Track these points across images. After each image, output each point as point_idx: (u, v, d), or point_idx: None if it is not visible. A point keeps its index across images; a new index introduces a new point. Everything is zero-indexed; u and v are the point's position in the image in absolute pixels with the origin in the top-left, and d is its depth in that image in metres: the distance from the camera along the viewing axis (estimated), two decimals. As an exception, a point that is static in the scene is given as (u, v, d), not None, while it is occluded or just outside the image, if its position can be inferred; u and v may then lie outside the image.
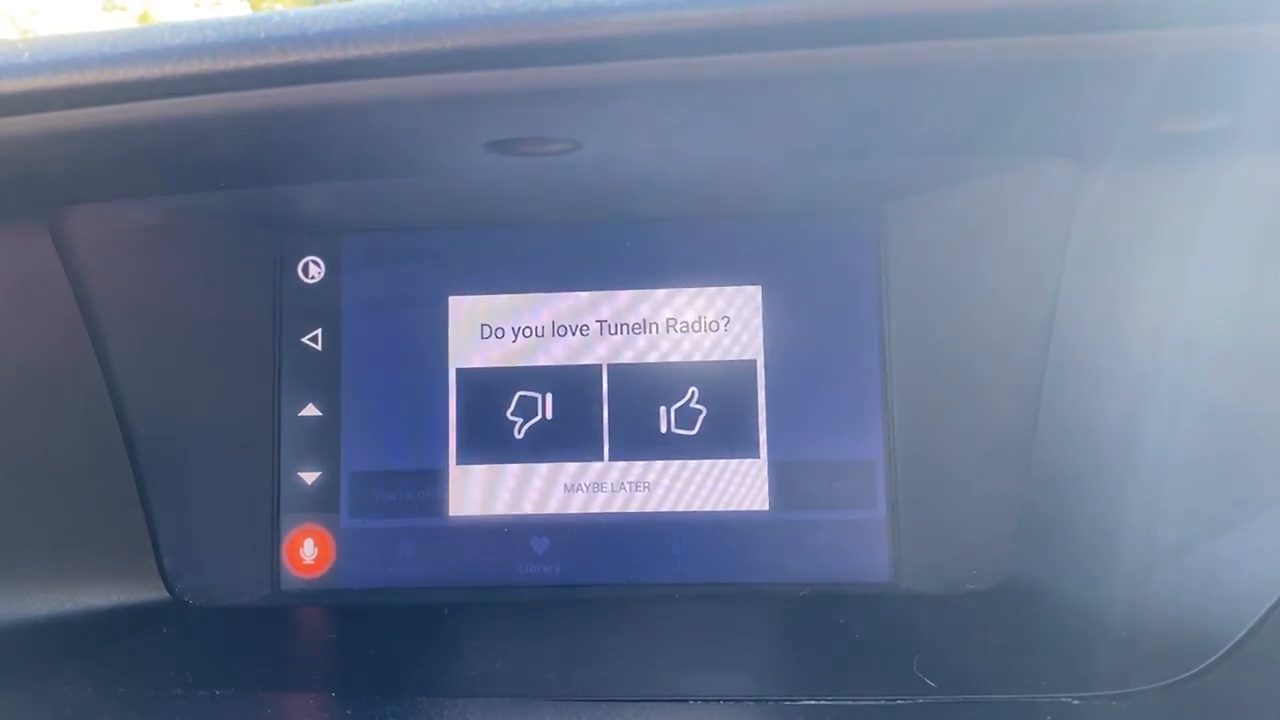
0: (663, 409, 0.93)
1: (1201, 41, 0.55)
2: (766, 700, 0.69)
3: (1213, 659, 0.67)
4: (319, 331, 0.94)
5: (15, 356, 0.83)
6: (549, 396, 0.93)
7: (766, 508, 0.91)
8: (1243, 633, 0.68)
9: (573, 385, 0.93)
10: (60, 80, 0.58)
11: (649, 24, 0.53)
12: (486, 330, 0.94)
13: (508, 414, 0.93)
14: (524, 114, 0.65)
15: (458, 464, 0.93)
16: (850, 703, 0.67)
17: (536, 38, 0.54)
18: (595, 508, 0.92)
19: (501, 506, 0.92)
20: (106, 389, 0.85)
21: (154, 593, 0.87)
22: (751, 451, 0.92)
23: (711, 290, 0.93)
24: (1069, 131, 0.75)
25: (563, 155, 0.75)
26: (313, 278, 0.94)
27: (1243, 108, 0.67)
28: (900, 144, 0.79)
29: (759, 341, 0.92)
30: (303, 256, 0.94)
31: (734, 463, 0.92)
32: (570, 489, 0.92)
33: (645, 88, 0.59)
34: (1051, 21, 0.54)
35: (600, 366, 0.93)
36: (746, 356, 0.92)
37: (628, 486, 0.92)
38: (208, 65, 0.57)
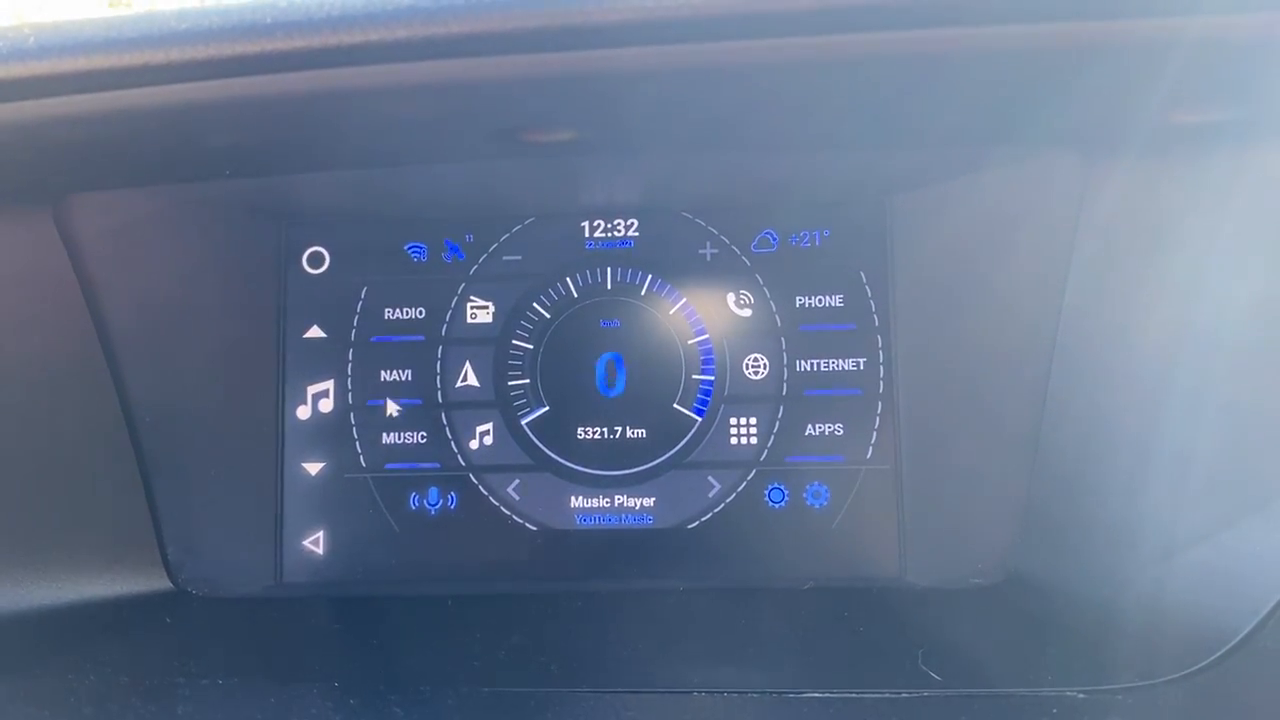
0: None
1: (1217, 30, 0.55)
2: (770, 693, 0.68)
3: (1219, 653, 0.67)
4: (324, 322, 0.94)
5: (19, 345, 0.82)
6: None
7: (770, 503, 0.91)
8: (1250, 627, 0.67)
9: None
10: (65, 65, 0.58)
11: (658, 9, 0.53)
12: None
13: (516, 416, 0.93)
14: (528, 101, 0.64)
15: (464, 461, 0.93)
16: (855, 696, 0.67)
17: (542, 23, 0.54)
18: (604, 507, 0.92)
19: (508, 503, 0.92)
20: (111, 378, 0.85)
21: (157, 583, 0.87)
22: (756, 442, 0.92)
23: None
24: (1078, 123, 0.75)
25: (569, 144, 0.75)
26: (317, 268, 0.94)
27: (1256, 99, 0.66)
28: (909, 134, 0.79)
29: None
30: (307, 246, 0.94)
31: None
32: (579, 490, 0.93)
33: (653, 75, 0.59)
34: (1067, 8, 0.54)
35: (616, 359, 0.93)
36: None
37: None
38: (213, 50, 0.57)
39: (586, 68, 0.57)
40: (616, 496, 0.92)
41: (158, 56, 0.57)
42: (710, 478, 0.92)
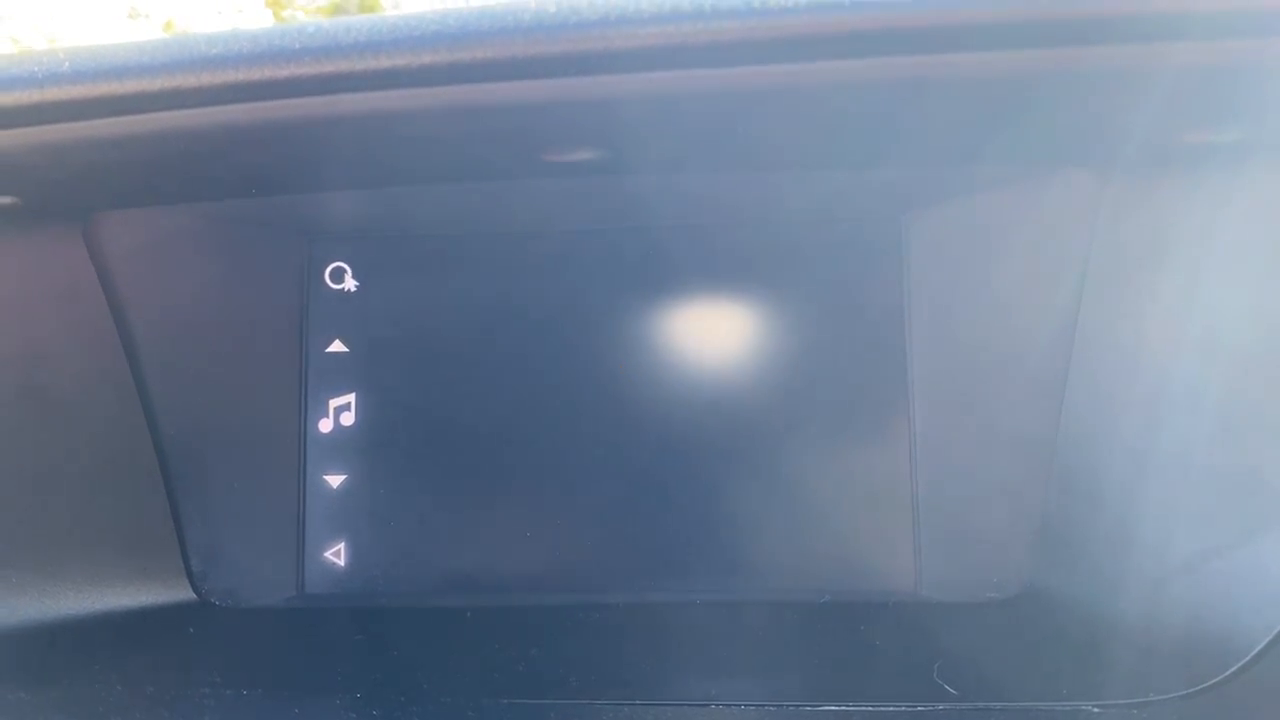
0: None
1: (1215, 54, 0.56)
2: (787, 705, 0.69)
3: (1233, 668, 0.68)
4: (346, 336, 0.95)
5: (48, 359, 0.84)
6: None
7: (789, 516, 0.91)
8: (1264, 642, 0.68)
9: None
10: (100, 89, 0.59)
11: (677, 35, 0.54)
12: (510, 336, 0.95)
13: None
14: (552, 124, 0.65)
15: (484, 469, 0.94)
16: (871, 709, 0.67)
17: (566, 49, 0.55)
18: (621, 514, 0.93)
19: (525, 516, 0.93)
20: (137, 392, 0.87)
21: (181, 594, 0.88)
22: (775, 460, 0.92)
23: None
24: (1089, 142, 0.76)
25: (589, 164, 0.76)
26: (340, 283, 0.95)
27: (1258, 120, 0.67)
28: (922, 153, 0.79)
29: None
30: (330, 262, 0.95)
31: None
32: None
33: (674, 99, 0.60)
34: (1070, 34, 0.55)
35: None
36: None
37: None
38: (243, 75, 0.58)
39: (608, 92, 0.58)
40: (634, 509, 0.93)
41: (189, 80, 0.59)
42: (726, 491, 0.93)
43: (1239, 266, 0.76)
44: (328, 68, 0.57)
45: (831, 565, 0.90)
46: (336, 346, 0.95)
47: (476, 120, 0.63)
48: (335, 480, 0.94)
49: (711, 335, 0.93)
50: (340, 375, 0.95)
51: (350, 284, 0.95)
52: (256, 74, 0.58)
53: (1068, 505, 0.83)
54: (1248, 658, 0.68)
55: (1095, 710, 0.66)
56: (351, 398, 0.94)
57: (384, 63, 0.56)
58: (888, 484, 0.90)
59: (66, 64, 0.60)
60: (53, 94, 0.60)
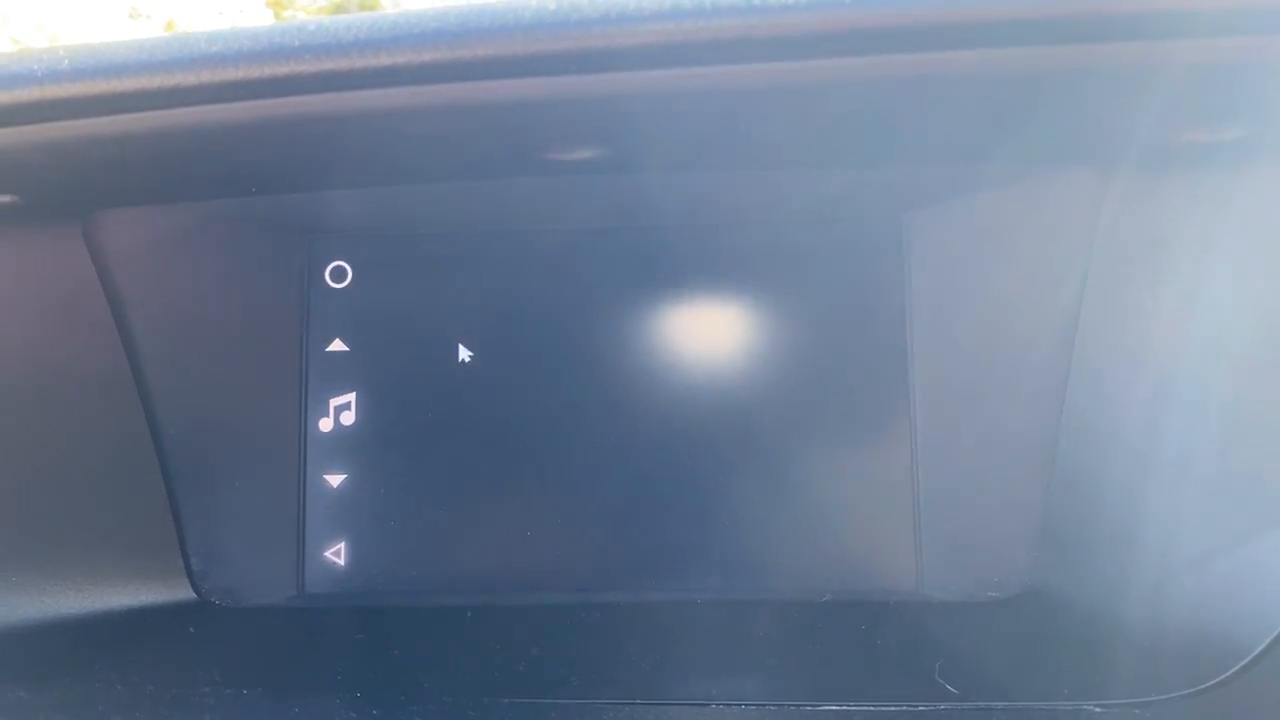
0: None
1: (1218, 52, 0.56)
2: (788, 704, 0.69)
3: (1236, 668, 0.67)
4: (347, 335, 0.95)
5: (48, 358, 0.84)
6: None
7: (790, 515, 0.91)
8: (1266, 641, 0.67)
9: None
10: (100, 87, 0.59)
11: (678, 33, 0.54)
12: (510, 336, 0.95)
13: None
14: (554, 122, 0.65)
15: (485, 469, 0.93)
16: (872, 708, 0.67)
17: (567, 47, 0.55)
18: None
19: (525, 515, 0.93)
20: (137, 391, 0.87)
21: (181, 593, 0.88)
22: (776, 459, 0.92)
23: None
24: (1091, 140, 0.76)
25: (590, 163, 0.76)
26: (341, 282, 0.95)
27: (1261, 118, 0.67)
28: (924, 152, 0.79)
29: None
30: (331, 261, 0.95)
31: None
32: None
33: (675, 97, 0.60)
34: (1071, 31, 0.55)
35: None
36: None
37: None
38: (244, 73, 0.58)
39: (609, 90, 0.58)
40: (635, 509, 0.93)
41: (190, 78, 0.59)
42: (727, 490, 0.92)
43: (1241, 266, 0.75)
44: (328, 65, 0.57)
45: (833, 564, 0.90)
46: (337, 345, 0.95)
47: (477, 118, 0.63)
48: (336, 480, 0.94)
49: (712, 334, 0.93)
50: (341, 374, 0.95)
51: (351, 283, 0.95)
52: (257, 71, 0.58)
53: (1069, 504, 0.83)
54: (1249, 657, 0.67)
55: (1097, 710, 0.66)
56: (352, 397, 0.94)
57: (384, 60, 0.56)
58: (889, 483, 0.90)
59: (66, 62, 0.60)
60: (53, 91, 0.60)
